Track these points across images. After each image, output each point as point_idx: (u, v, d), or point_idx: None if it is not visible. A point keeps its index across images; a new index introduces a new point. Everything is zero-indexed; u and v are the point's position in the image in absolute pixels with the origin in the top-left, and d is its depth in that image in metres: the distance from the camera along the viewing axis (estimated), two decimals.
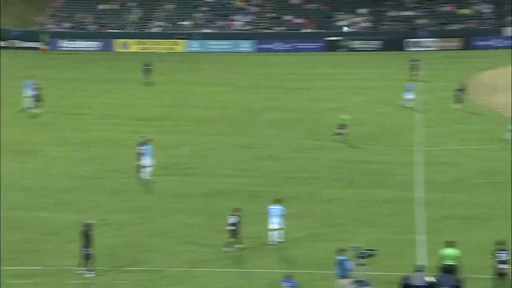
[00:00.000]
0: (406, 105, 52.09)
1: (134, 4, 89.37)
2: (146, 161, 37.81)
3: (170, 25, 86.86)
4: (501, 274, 25.07)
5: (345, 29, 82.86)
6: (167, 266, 27.92)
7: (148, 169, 37.80)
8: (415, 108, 51.86)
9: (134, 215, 33.22)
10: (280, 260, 28.49)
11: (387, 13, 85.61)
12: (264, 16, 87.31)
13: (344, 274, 25.00)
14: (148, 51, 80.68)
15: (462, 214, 32.60)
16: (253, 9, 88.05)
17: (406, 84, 53.80)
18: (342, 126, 44.25)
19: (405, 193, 35.32)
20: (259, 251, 29.18)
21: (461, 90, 51.47)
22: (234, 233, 28.96)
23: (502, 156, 40.93)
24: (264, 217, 30.19)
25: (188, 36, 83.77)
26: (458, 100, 50.92)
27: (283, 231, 29.86)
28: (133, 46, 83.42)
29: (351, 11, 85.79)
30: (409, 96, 52.27)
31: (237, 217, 29.07)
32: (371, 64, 72.40)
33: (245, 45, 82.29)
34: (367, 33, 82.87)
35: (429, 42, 79.40)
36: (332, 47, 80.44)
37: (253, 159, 41.62)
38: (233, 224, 28.95)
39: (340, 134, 44.14)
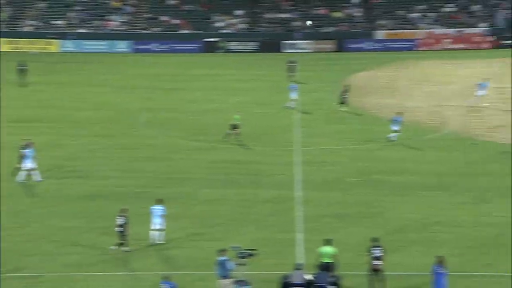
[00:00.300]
0: (291, 106, 52.89)
1: (4, 1, 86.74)
2: (28, 164, 37.02)
3: (42, 24, 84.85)
4: (375, 270, 25.83)
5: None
6: (46, 271, 27.37)
7: (32, 172, 37.13)
8: (295, 109, 52.70)
9: (11, 219, 32.37)
10: (162, 261, 28.47)
11: (263, 15, 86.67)
12: (140, 16, 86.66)
13: (224, 274, 25.20)
14: (20, 50, 78.60)
15: (338, 212, 33.39)
16: (129, 9, 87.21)
17: (290, 85, 54.52)
18: (234, 126, 44.67)
19: (284, 193, 35.86)
20: (141, 253, 29.04)
21: (345, 91, 52.81)
22: (122, 234, 28.78)
23: (377, 155, 42.21)
24: (144, 218, 30.08)
25: (62, 36, 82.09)
26: (343, 101, 52.24)
27: (164, 231, 29.87)
28: (4, 45, 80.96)
29: (228, 12, 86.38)
30: (293, 96, 53.10)
31: (124, 217, 28.91)
32: (249, 65, 73.08)
33: (122, 46, 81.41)
34: (244, 34, 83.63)
35: (304, 44, 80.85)
36: (209, 48, 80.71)
37: (132, 160, 41.34)
38: (120, 225, 28.78)
39: (234, 135, 44.53)
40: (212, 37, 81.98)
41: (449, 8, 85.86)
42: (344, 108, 51.94)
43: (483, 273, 27.25)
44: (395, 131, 44.11)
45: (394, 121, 44.30)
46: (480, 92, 52.66)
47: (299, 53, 76.40)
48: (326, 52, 79.32)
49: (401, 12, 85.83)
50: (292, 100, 53.01)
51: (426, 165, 40.20)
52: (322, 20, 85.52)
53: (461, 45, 80.00)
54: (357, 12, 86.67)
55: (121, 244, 28.81)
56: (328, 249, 26.13)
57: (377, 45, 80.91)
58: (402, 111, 46.39)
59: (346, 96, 52.45)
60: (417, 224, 31.90)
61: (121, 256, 28.65)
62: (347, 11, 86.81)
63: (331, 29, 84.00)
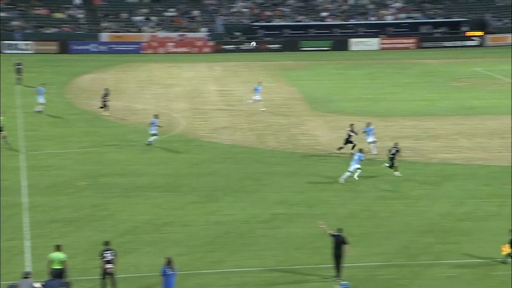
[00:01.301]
0: (40, 110, 50.86)
1: None
2: None
3: None
4: (107, 273, 25.64)
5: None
6: None
7: None
8: (21, 112, 50.86)
9: None
10: None
11: None
12: None
13: None
14: None
15: (67, 217, 32.70)
16: None
17: (37, 89, 52.33)
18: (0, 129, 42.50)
19: (10, 199, 34.48)
20: None
21: (106, 95, 51.79)
22: None
23: (104, 158, 41.87)
24: None
25: None
26: (103, 105, 51.27)
27: None
28: None
29: None
30: (41, 100, 51.14)
31: None
32: None
33: None
34: None
35: (26, 45, 78.36)
36: None
37: None
38: None
39: (2, 137, 42.34)
40: None
41: (171, 13, 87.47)
42: (105, 113, 51.06)
43: (212, 270, 27.96)
44: (154, 134, 43.89)
45: (152, 124, 44.01)
46: (257, 96, 53.94)
47: (20, 54, 73.74)
48: (49, 53, 77.41)
49: (125, 15, 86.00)
50: (40, 104, 51.14)
51: (154, 166, 40.54)
52: (43, 20, 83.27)
53: (184, 49, 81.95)
54: (80, 14, 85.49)
55: None
56: (58, 255, 25.48)
57: (102, 48, 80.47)
58: (158, 113, 46.10)
59: (106, 100, 51.54)
60: (148, 225, 32.06)
61: None
62: (69, 12, 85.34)
63: (53, 30, 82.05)
